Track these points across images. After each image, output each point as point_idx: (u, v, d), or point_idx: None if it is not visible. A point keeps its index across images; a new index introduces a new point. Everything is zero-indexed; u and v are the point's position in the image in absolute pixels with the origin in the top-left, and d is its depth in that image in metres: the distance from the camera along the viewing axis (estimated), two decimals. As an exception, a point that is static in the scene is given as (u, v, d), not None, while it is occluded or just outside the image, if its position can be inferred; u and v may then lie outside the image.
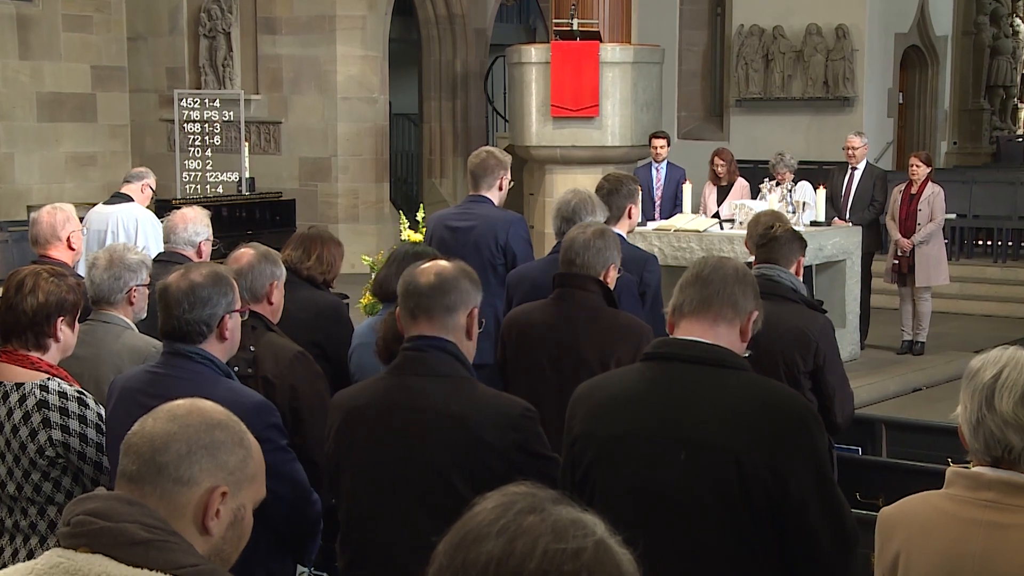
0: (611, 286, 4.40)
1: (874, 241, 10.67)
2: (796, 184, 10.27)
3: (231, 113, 15.12)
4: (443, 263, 3.25)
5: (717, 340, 2.91)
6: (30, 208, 13.70)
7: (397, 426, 3.13)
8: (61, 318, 3.58)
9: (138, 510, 1.88)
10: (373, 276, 7.80)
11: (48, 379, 3.52)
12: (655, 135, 11.27)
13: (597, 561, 1.39)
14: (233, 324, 3.38)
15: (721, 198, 10.76)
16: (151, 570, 1.82)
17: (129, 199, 7.90)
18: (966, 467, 2.45)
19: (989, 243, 14.58)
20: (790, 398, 2.91)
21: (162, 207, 10.71)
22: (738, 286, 2.96)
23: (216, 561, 1.97)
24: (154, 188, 8.19)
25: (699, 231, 9.66)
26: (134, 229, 7.66)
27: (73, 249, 5.57)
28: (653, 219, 10.46)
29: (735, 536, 2.78)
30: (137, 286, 4.27)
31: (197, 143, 15.01)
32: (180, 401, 2.05)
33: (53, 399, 3.48)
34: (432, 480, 3.08)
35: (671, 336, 2.98)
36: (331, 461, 3.29)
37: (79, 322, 3.75)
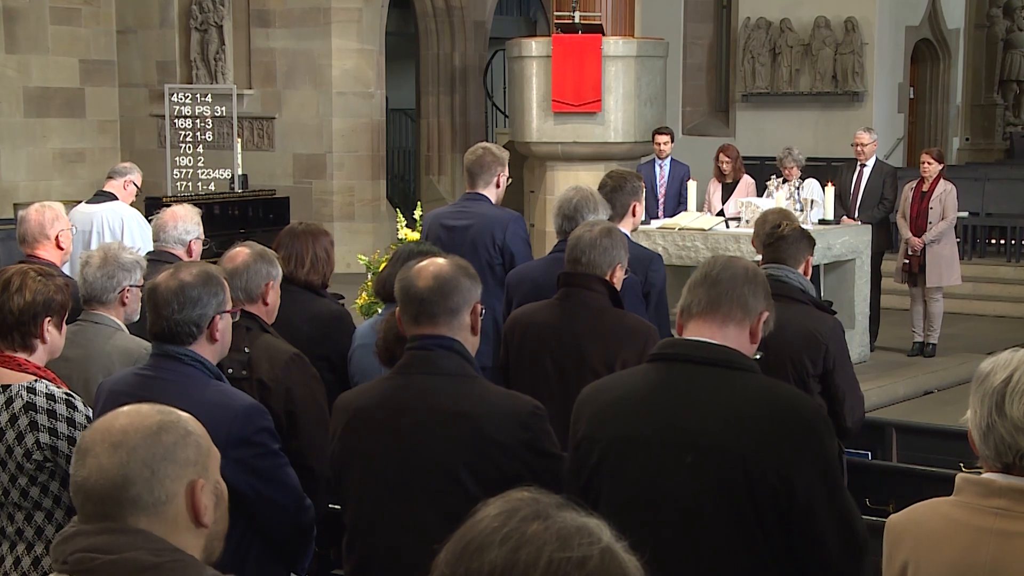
0: (617, 286, 4.37)
1: (884, 240, 10.66)
2: (803, 181, 10.30)
3: (223, 108, 15.01)
4: (439, 262, 3.23)
5: (726, 341, 2.90)
6: (16, 206, 13.58)
7: (406, 426, 3.12)
8: (48, 319, 3.55)
9: (138, 537, 1.90)
10: (371, 276, 7.73)
11: (35, 381, 3.47)
12: (658, 131, 11.22)
13: (603, 569, 1.39)
14: (224, 325, 3.36)
15: (726, 195, 10.75)
16: None
17: (113, 197, 7.78)
18: (977, 473, 2.42)
19: (1002, 242, 14.48)
20: (799, 400, 2.90)
21: (152, 205, 10.71)
22: (748, 286, 2.95)
23: (216, 542, 2.06)
24: (139, 184, 8.03)
25: (704, 229, 9.68)
26: (120, 228, 7.57)
27: (62, 249, 5.52)
28: (657, 217, 10.45)
29: (742, 541, 2.77)
30: (131, 286, 4.26)
31: (188, 139, 14.88)
32: (104, 424, 2.01)
33: (40, 401, 3.41)
34: (441, 480, 3.08)
35: (680, 337, 2.97)
36: (336, 464, 3.27)
37: (69, 323, 3.73)
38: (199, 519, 2.00)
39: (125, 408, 2.06)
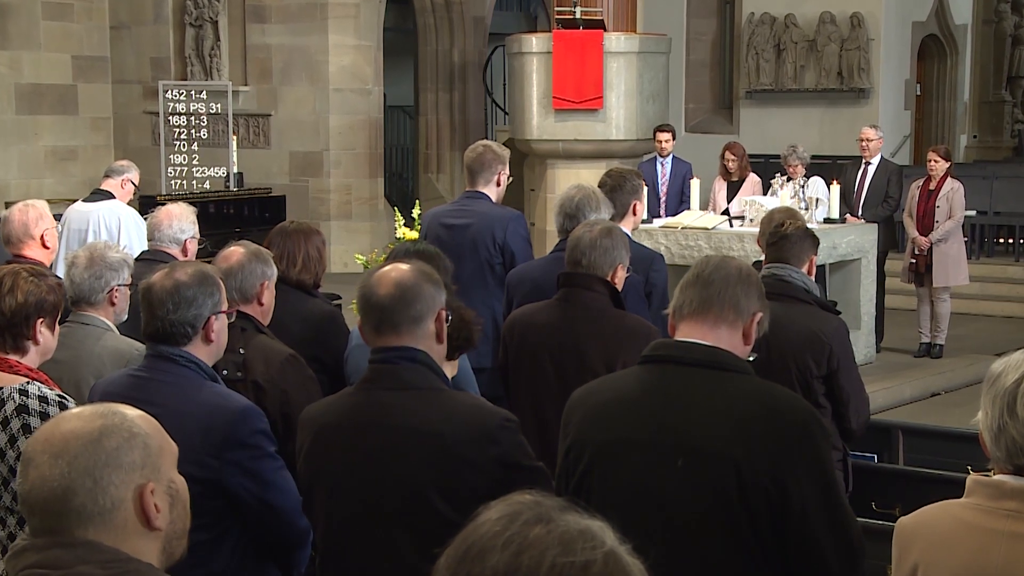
0: (618, 286, 4.35)
1: (890, 239, 10.62)
2: (808, 179, 10.25)
3: (218, 105, 14.91)
4: (401, 268, 3.17)
5: (718, 342, 2.88)
6: (9, 205, 13.47)
7: (370, 444, 3.06)
8: (41, 319, 3.56)
9: (86, 550, 1.86)
10: (369, 276, 7.62)
11: (28, 383, 3.45)
12: (660, 128, 11.16)
13: (607, 573, 1.39)
14: (219, 326, 3.36)
15: (732, 194, 10.69)
16: None
17: (110, 196, 7.74)
18: (987, 475, 2.42)
19: (1011, 241, 14.41)
20: (793, 403, 2.89)
21: (147, 203, 10.62)
22: (740, 287, 2.93)
23: (176, 542, 2.00)
24: (136, 183, 7.99)
25: (707, 228, 9.62)
26: (116, 228, 7.54)
27: (48, 248, 5.50)
28: (659, 216, 10.39)
29: (736, 547, 2.74)
30: (119, 286, 4.25)
31: (183, 136, 14.81)
32: (47, 432, 1.96)
33: (33, 404, 3.39)
34: (410, 500, 3.02)
35: (671, 338, 2.95)
36: (303, 482, 3.22)
37: (58, 324, 3.72)
38: (150, 523, 1.95)
39: (70, 412, 2.02)
